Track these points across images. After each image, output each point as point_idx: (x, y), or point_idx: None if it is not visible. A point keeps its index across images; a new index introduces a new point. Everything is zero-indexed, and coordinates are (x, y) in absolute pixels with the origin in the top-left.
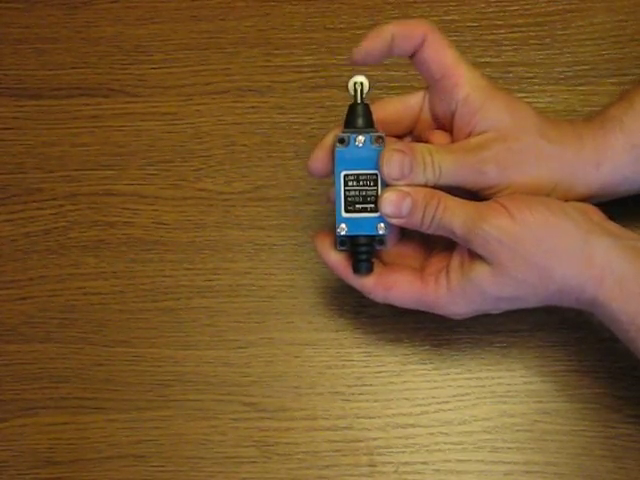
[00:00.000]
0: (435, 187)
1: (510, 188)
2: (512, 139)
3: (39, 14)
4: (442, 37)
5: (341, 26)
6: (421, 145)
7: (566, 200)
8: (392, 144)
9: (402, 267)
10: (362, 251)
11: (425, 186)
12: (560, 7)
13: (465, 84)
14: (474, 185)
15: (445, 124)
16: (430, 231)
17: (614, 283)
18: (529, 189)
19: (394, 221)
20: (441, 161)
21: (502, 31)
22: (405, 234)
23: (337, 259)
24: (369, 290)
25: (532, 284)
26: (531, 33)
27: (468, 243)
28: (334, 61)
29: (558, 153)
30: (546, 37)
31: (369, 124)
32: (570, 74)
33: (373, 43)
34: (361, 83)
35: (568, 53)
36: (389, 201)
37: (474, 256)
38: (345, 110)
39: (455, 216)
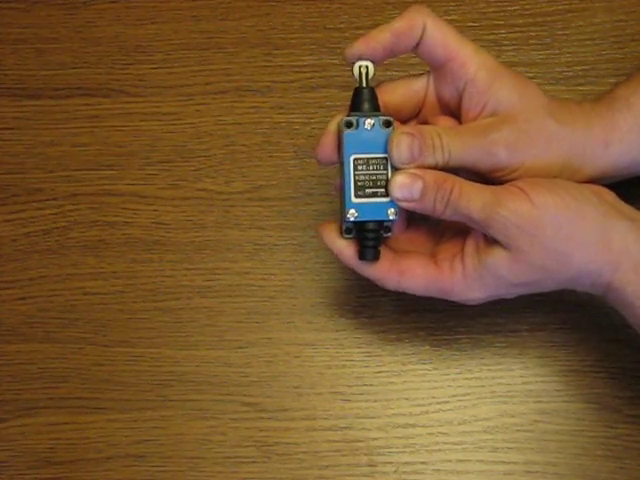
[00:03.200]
0: (445, 169)
1: (521, 169)
2: (522, 120)
3: (39, 14)
4: (441, 20)
5: (341, 26)
6: (430, 127)
7: (574, 182)
8: (400, 127)
9: (414, 253)
10: (369, 237)
11: (435, 168)
12: (560, 7)
13: (472, 63)
14: (484, 167)
15: (452, 107)
16: (445, 216)
17: (630, 267)
18: (539, 170)
19: (405, 205)
20: (450, 143)
21: (502, 31)
22: (413, 221)
23: (344, 246)
24: (381, 276)
25: (550, 269)
26: (531, 33)
27: (486, 229)
28: (334, 61)
29: (567, 134)
30: (546, 37)
31: (375, 108)
32: (570, 74)
33: (367, 46)
34: (366, 67)
35: (568, 53)
36: (400, 184)
37: (490, 241)
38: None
39: (472, 202)
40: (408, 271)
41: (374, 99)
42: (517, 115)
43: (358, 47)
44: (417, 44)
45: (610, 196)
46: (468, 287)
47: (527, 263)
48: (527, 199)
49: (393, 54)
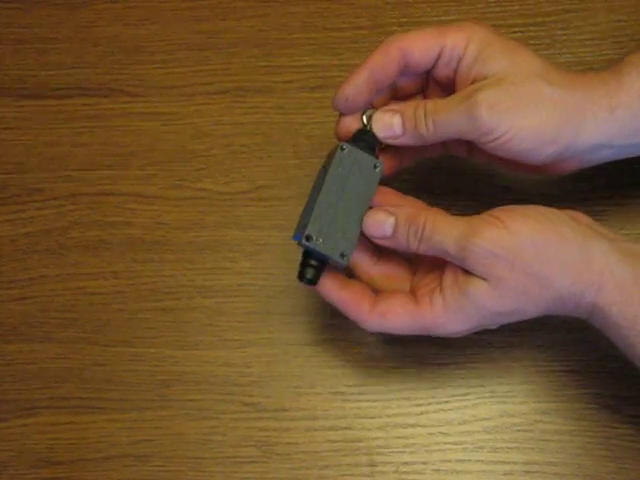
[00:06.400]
0: (435, 141)
1: (509, 133)
2: (508, 82)
3: (39, 14)
4: (410, 34)
5: (341, 26)
6: (414, 101)
7: (572, 150)
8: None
9: (394, 292)
10: (314, 258)
11: (424, 141)
12: (560, 7)
13: (461, 40)
14: (471, 132)
15: (450, 88)
16: (420, 251)
17: (614, 287)
18: (531, 134)
19: (379, 242)
20: (434, 112)
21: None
22: (385, 257)
23: (345, 297)
24: (364, 319)
25: (532, 295)
26: (531, 33)
27: (462, 261)
28: (334, 61)
29: (561, 97)
30: (546, 37)
31: (371, 150)
32: None
33: (350, 86)
34: (372, 114)
35: (568, 53)
36: (371, 222)
37: (469, 272)
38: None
39: (446, 235)
40: (389, 313)
41: (374, 143)
42: (504, 78)
43: (343, 91)
44: (405, 67)
45: (586, 219)
46: (450, 320)
47: (508, 290)
48: (503, 226)
49: (379, 86)
